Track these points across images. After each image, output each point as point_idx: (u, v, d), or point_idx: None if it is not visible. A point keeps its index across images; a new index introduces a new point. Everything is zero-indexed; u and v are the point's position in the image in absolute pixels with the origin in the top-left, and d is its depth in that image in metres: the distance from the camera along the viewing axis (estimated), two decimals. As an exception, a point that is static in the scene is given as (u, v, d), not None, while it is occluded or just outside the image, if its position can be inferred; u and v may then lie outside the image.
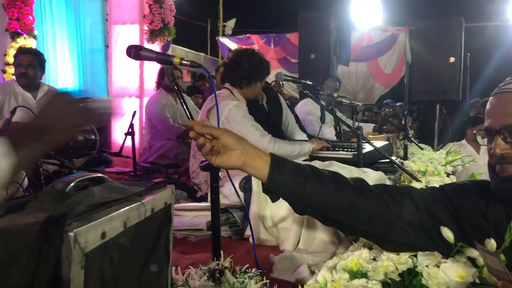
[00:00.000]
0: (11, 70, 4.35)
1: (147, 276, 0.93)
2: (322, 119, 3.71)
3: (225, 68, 2.83)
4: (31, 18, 4.64)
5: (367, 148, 2.71)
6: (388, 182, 2.31)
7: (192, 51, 12.37)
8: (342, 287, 0.99)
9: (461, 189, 1.16)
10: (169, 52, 7.70)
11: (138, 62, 4.85)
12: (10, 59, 4.24)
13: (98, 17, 5.99)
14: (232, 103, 2.65)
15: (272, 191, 1.11)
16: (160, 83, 4.51)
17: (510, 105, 1.05)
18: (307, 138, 3.51)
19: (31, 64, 3.47)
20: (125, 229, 0.81)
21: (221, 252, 1.44)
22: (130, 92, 5.13)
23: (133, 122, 3.92)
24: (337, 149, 2.87)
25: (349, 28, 7.10)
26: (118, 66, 5.15)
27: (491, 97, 1.13)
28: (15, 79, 3.58)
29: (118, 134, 4.96)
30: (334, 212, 1.10)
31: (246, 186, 2.28)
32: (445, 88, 6.10)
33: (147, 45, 4.94)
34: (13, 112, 2.46)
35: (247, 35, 12.27)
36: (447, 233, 1.04)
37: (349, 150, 2.79)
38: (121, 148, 3.97)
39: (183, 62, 1.63)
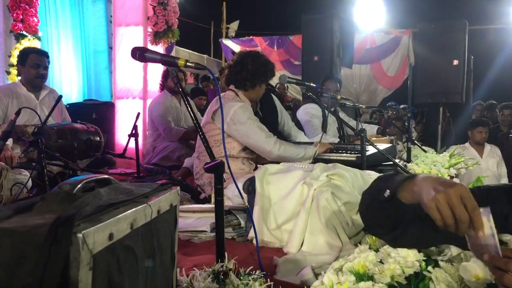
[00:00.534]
0: (15, 71, 4.36)
1: (153, 277, 0.94)
2: (324, 127, 3.71)
3: (229, 70, 2.84)
4: (35, 19, 4.65)
5: (371, 150, 2.71)
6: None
7: (196, 53, 12.37)
8: (347, 290, 0.99)
9: (488, 190, 1.16)
10: (173, 54, 7.71)
11: (142, 64, 4.87)
12: (15, 60, 4.25)
13: (102, 18, 6.00)
14: (237, 104, 2.66)
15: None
16: (164, 85, 4.53)
17: None
18: (304, 136, 3.52)
19: (47, 66, 3.55)
20: (132, 231, 0.82)
21: (225, 254, 1.44)
22: (134, 94, 5.14)
23: (136, 124, 3.94)
24: (340, 151, 2.87)
25: (352, 30, 7.10)
26: (122, 67, 5.16)
27: None
28: (20, 79, 3.60)
29: (121, 135, 4.97)
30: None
31: (249, 188, 2.29)
32: (449, 91, 6.10)
33: (150, 47, 4.95)
34: (17, 113, 2.47)
35: (250, 37, 12.28)
36: None
37: (353, 152, 2.79)
38: (125, 149, 3.98)
39: (188, 64, 1.63)
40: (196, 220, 2.23)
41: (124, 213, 0.80)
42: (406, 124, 5.31)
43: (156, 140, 4.40)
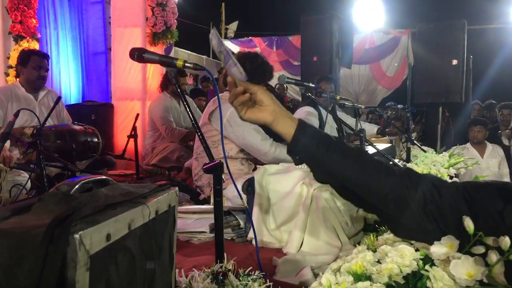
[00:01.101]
0: (14, 72, 4.36)
1: (152, 278, 0.93)
2: (322, 128, 3.70)
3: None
4: (34, 21, 4.65)
5: (370, 150, 2.71)
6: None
7: (194, 53, 12.37)
8: (346, 290, 0.99)
9: (482, 186, 1.16)
10: (172, 54, 7.72)
11: (140, 65, 4.86)
12: (13, 62, 4.25)
13: (100, 20, 6.01)
14: (233, 105, 2.64)
15: (295, 152, 1.15)
16: (164, 86, 4.53)
17: None
18: None
19: (48, 68, 3.57)
20: (129, 231, 0.81)
21: (224, 254, 1.44)
22: (133, 95, 5.14)
23: (136, 125, 3.94)
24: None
25: (351, 30, 7.10)
26: (120, 69, 5.15)
27: None
28: (18, 81, 3.60)
29: (121, 136, 4.97)
30: (351, 183, 1.12)
31: (249, 188, 2.28)
32: (448, 91, 6.10)
33: (149, 47, 4.95)
34: (16, 115, 2.46)
35: (250, 37, 12.29)
36: (468, 223, 1.00)
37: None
38: (124, 150, 3.98)
39: (186, 64, 1.63)
40: (195, 221, 2.22)
41: (122, 214, 0.79)
42: (406, 124, 5.31)
43: (156, 141, 4.40)
